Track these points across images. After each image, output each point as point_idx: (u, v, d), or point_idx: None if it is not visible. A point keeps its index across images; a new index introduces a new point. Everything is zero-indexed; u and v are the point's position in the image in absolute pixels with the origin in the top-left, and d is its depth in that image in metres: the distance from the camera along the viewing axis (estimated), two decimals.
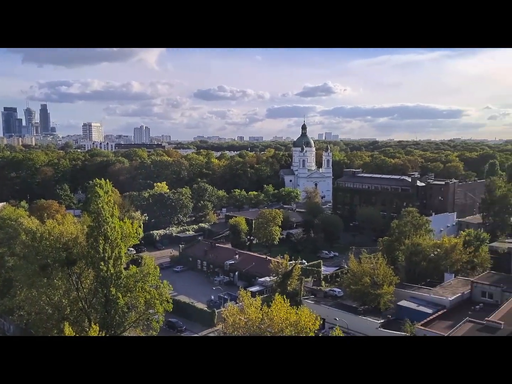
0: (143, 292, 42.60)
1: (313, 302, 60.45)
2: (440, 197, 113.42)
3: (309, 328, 34.69)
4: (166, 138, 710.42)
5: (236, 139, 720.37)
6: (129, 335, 44.14)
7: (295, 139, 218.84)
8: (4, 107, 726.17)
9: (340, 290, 66.32)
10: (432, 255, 66.23)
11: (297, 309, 36.28)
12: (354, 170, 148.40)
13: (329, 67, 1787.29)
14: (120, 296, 40.93)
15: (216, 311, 59.98)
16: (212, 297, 67.52)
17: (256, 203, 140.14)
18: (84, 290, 43.94)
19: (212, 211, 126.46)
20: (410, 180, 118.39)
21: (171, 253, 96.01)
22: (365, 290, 55.61)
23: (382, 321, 52.77)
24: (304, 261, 78.72)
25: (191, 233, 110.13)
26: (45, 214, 77.96)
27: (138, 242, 50.55)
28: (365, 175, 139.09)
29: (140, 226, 46.07)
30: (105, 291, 41.15)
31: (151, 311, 43.88)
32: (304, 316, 35.09)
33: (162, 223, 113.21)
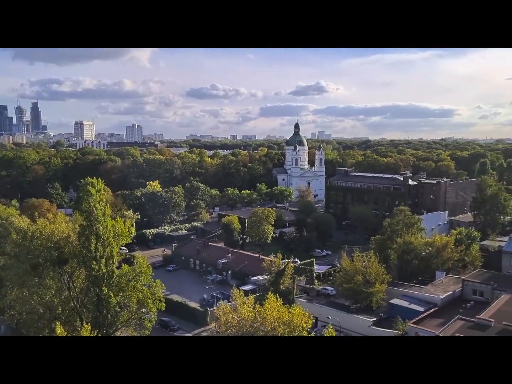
0: (136, 291, 42.42)
1: (305, 300, 60.65)
2: (431, 196, 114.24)
3: (302, 327, 34.79)
4: (159, 137, 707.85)
5: (229, 137, 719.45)
6: (121, 334, 43.97)
7: (288, 138, 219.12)
8: None
9: (332, 288, 66.58)
10: (423, 253, 66.73)
11: (289, 308, 36.37)
12: (346, 169, 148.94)
13: (321, 66, 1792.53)
14: (112, 296, 40.73)
15: (209, 310, 59.94)
16: (205, 296, 67.44)
17: (249, 202, 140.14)
18: (76, 290, 43.67)
19: (205, 210, 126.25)
20: (402, 179, 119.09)
21: (163, 252, 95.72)
22: (357, 288, 55.88)
23: (374, 319, 53.10)
24: (296, 259, 78.89)
25: (184, 232, 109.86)
26: (36, 213, 77.19)
27: (131, 241, 50.35)
28: (358, 174, 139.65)
29: (132, 225, 45.94)
30: (97, 291, 40.92)
31: (143, 310, 43.73)
32: (297, 314, 35.18)
33: (154, 222, 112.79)
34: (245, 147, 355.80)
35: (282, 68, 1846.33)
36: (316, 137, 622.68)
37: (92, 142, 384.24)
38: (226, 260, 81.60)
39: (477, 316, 43.63)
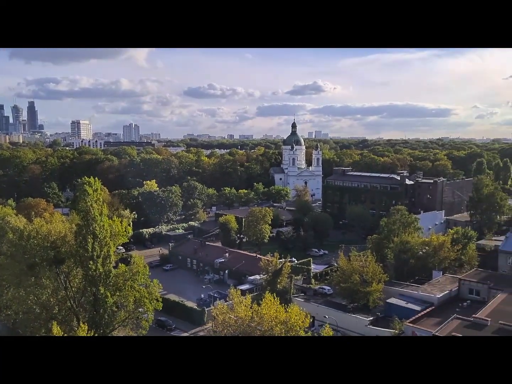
0: (133, 291, 42.35)
1: (303, 300, 60.66)
2: (428, 195, 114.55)
3: (299, 326, 34.80)
4: (156, 136, 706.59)
5: (226, 137, 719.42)
6: (118, 334, 43.90)
7: (285, 137, 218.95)
8: None
9: (329, 288, 66.63)
10: (420, 252, 66.87)
11: (287, 307, 36.37)
12: (343, 168, 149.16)
13: (319, 66, 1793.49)
14: (109, 295, 40.64)
15: (206, 309, 59.87)
16: (202, 295, 67.35)
17: (246, 201, 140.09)
18: (73, 289, 43.55)
19: (202, 209, 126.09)
20: (399, 178, 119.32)
21: (159, 251, 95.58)
22: (354, 287, 55.94)
23: (371, 318, 53.17)
24: (294, 259, 78.93)
25: (181, 231, 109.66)
26: (33, 213, 77.15)
27: (127, 241, 50.20)
28: (355, 173, 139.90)
29: (129, 225, 45.84)
30: (93, 290, 40.82)
31: (140, 310, 43.66)
32: (294, 314, 35.19)
33: (151, 222, 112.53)
34: (242, 147, 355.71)
35: (280, 67, 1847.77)
36: (313, 136, 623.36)
37: (89, 141, 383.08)
38: (223, 260, 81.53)
39: (473, 315, 43.78)
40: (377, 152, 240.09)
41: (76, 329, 35.61)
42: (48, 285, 42.80)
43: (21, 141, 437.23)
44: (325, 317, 51.08)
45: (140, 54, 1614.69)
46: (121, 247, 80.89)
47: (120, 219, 46.04)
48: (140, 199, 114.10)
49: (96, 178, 43.22)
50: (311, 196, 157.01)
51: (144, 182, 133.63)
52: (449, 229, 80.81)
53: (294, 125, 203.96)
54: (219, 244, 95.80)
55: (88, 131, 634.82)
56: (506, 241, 73.66)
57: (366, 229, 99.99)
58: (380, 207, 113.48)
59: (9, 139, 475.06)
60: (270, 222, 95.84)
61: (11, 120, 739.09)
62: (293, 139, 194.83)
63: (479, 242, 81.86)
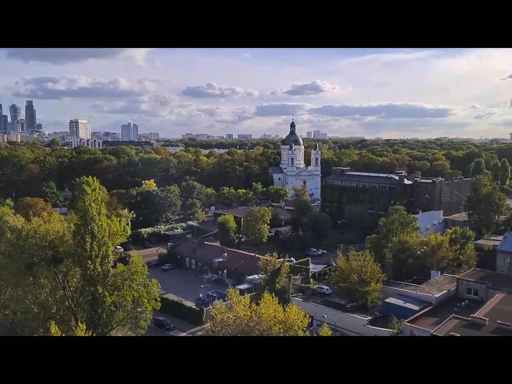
0: (131, 290, 42.30)
1: (301, 299, 60.68)
2: (427, 195, 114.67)
3: (298, 326, 34.81)
4: (154, 136, 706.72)
5: (225, 136, 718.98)
6: (116, 334, 43.86)
7: (284, 137, 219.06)
8: None
9: (328, 287, 66.68)
10: (419, 252, 66.95)
11: (285, 307, 36.38)
12: (342, 168, 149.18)
13: (317, 66, 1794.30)
14: (107, 295, 40.58)
15: (205, 309, 59.84)
16: (201, 295, 67.32)
17: (244, 201, 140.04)
18: (71, 289, 43.47)
19: (201, 209, 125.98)
20: (397, 178, 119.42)
21: (157, 251, 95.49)
22: (352, 287, 55.99)
23: (369, 318, 53.21)
24: (292, 258, 78.91)
25: (180, 231, 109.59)
26: (31, 212, 76.96)
27: (126, 240, 50.15)
28: (353, 173, 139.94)
29: (127, 224, 45.82)
30: (92, 290, 40.76)
31: (139, 309, 43.61)
32: (293, 313, 35.20)
33: (150, 221, 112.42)
34: (241, 146, 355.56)
35: (278, 67, 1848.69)
36: (312, 136, 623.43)
37: (87, 141, 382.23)
38: (221, 259, 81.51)
39: (471, 315, 43.86)
40: (375, 152, 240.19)
41: (74, 328, 35.55)
42: (46, 285, 42.72)
43: (19, 141, 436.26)
44: (323, 316, 51.12)
45: (139, 53, 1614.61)
46: (120, 247, 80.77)
47: (118, 218, 45.97)
48: (138, 198, 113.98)
49: (95, 178, 43.12)
50: (310, 195, 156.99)
51: (143, 182, 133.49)
52: (448, 229, 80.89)
53: (293, 125, 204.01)
54: (217, 243, 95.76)
55: (87, 130, 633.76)
56: (504, 241, 73.79)
57: (364, 228, 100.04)
58: (378, 206, 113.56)
59: (7, 138, 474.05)
60: (268, 221, 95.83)
61: (9, 120, 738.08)
62: (292, 139, 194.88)
63: (477, 242, 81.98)
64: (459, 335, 38.46)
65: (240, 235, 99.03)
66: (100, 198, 43.00)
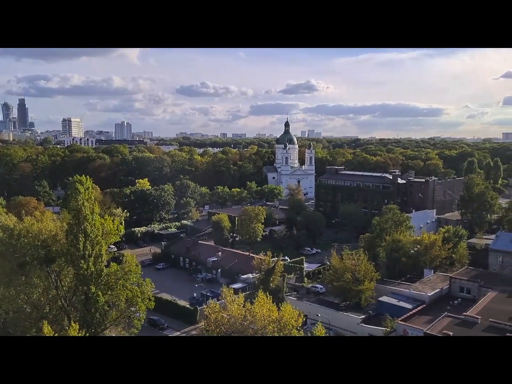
0: (125, 290, 42.12)
1: (295, 298, 60.77)
2: (420, 194, 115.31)
3: (292, 325, 34.85)
4: (148, 134, 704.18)
5: (219, 135, 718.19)
6: (110, 333, 43.68)
7: (278, 136, 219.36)
8: None
9: (322, 286, 66.86)
10: (412, 251, 67.32)
11: (279, 306, 36.40)
12: (336, 167, 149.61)
13: (312, 65, 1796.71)
14: (101, 294, 40.38)
15: (199, 308, 59.77)
16: (195, 294, 67.20)
17: (239, 200, 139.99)
18: (64, 288, 43.20)
19: (195, 208, 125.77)
20: (391, 177, 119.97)
21: (150, 250, 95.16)
22: (346, 286, 56.17)
23: (363, 316, 53.40)
24: (286, 257, 79.02)
25: (173, 230, 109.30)
26: (23, 211, 76.34)
27: (119, 240, 49.93)
28: (347, 172, 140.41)
29: (121, 223, 45.54)
30: (85, 289, 40.54)
31: (132, 309, 43.44)
32: (287, 312, 35.23)
33: (144, 220, 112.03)
34: (235, 145, 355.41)
35: (273, 66, 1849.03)
36: (306, 135, 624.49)
37: (80, 139, 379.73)
38: (216, 259, 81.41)
39: (464, 313, 44.18)
40: (369, 151, 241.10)
41: (67, 328, 35.34)
42: (38, 284, 42.42)
43: (11, 139, 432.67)
44: (317, 315, 51.22)
45: (132, 51, 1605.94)
46: (113, 246, 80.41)
47: (112, 217, 45.75)
48: (132, 197, 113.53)
49: (88, 177, 42.85)
50: (304, 195, 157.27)
51: (136, 181, 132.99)
52: (441, 228, 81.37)
53: (287, 124, 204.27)
54: (211, 243, 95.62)
55: (80, 129, 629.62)
56: (497, 240, 74.42)
57: (358, 228, 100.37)
58: (372, 206, 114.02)
59: None
60: (263, 221, 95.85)
61: (1, 118, 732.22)
62: (286, 138, 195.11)
63: (470, 240, 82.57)
64: (451, 333, 38.74)
65: (234, 234, 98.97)
66: (93, 197, 42.76)
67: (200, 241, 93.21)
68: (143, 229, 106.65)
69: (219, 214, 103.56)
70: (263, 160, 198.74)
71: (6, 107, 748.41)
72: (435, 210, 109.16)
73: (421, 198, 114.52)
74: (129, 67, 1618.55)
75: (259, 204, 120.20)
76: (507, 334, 37.51)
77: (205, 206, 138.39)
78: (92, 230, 40.60)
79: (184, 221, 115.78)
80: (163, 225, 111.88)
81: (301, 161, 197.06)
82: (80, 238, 39.82)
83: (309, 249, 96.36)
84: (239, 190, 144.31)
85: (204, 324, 40.16)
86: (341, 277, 56.87)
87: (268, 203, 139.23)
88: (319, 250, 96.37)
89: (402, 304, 53.50)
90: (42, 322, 33.12)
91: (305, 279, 73.25)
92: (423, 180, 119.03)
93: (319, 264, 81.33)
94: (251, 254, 77.89)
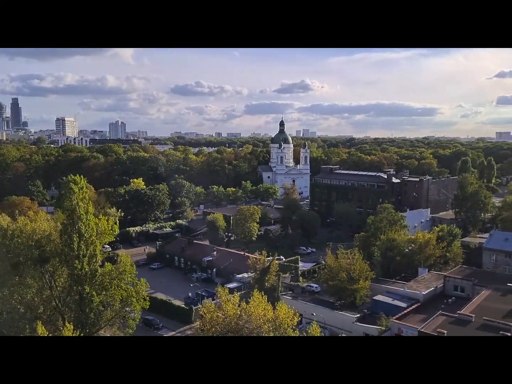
0: (119, 290, 41.97)
1: (290, 297, 60.82)
2: (414, 194, 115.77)
3: (287, 324, 34.86)
4: (143, 134, 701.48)
5: (214, 135, 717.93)
6: (105, 333, 43.52)
7: (273, 136, 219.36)
8: None
9: (317, 285, 66.99)
10: (406, 250, 67.58)
11: (275, 305, 36.41)
12: (331, 166, 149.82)
13: (306, 64, 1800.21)
14: (95, 294, 40.22)
15: (194, 308, 59.68)
16: (190, 294, 67.11)
17: (234, 199, 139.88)
18: (58, 289, 42.96)
19: (190, 208, 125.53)
20: (385, 176, 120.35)
21: (144, 250, 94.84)
22: (341, 285, 56.31)
23: (358, 315, 53.56)
24: (282, 257, 79.11)
25: (168, 229, 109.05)
26: (17, 211, 75.74)
27: (114, 239, 49.67)
28: (342, 171, 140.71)
29: (115, 223, 45.31)
30: (79, 289, 40.35)
31: (127, 309, 43.30)
32: (282, 312, 35.24)
33: (138, 220, 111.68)
34: (230, 145, 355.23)
35: (267, 65, 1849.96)
36: (301, 135, 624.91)
37: (74, 139, 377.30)
38: (211, 258, 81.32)
39: (458, 312, 44.43)
40: (364, 150, 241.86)
41: (61, 328, 35.17)
42: (32, 285, 42.16)
43: (4, 139, 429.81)
44: (312, 314, 51.32)
45: (127, 51, 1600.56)
46: (108, 246, 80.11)
47: (106, 217, 45.54)
48: (126, 197, 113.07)
49: (82, 176, 42.64)
50: (299, 194, 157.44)
51: (131, 180, 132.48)
52: (435, 227, 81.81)
53: (282, 124, 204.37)
54: (207, 242, 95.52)
55: (73, 128, 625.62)
56: (490, 239, 74.92)
57: (353, 227, 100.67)
58: (367, 205, 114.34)
59: None
60: (258, 220, 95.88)
61: None
62: (281, 138, 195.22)
63: (464, 239, 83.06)
64: (446, 331, 38.94)
65: (230, 234, 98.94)
66: (87, 197, 42.54)
67: (195, 241, 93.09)
68: (137, 228, 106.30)
69: (214, 213, 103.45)
70: (258, 159, 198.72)
71: None
72: (429, 209, 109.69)
73: (415, 197, 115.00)
74: (123, 67, 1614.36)
75: (254, 204, 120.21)
76: (501, 333, 37.79)
77: (200, 205, 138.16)
78: (87, 230, 40.41)
79: (179, 221, 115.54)
80: (158, 225, 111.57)
81: (296, 161, 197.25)
82: (74, 238, 39.61)
83: (304, 248, 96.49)
84: (234, 189, 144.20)
85: (199, 324, 40.08)
86: (336, 276, 57.00)
87: (263, 202, 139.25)
88: (314, 250, 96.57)
89: (397, 302, 53.70)
90: (36, 323, 32.92)
91: (300, 278, 73.34)
92: (418, 179, 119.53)
93: (314, 263, 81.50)
94: (246, 254, 77.85)
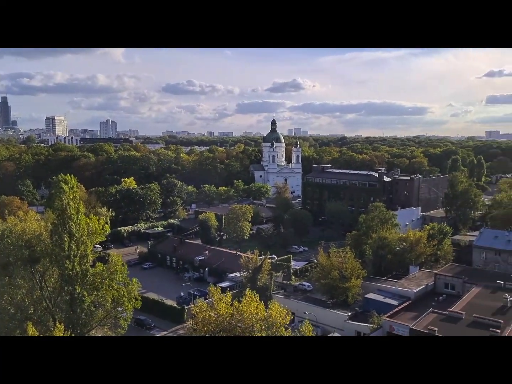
0: (111, 289, 41.73)
1: (283, 296, 60.94)
2: (405, 192, 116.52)
3: (280, 323, 34.91)
4: (134, 133, 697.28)
5: (205, 134, 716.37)
6: (96, 334, 43.24)
7: (265, 135, 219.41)
8: None
9: (309, 284, 67.19)
10: (398, 248, 68.04)
11: (267, 304, 36.45)
12: (323, 165, 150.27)
13: (298, 63, 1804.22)
14: (86, 295, 39.95)
15: (186, 307, 59.53)
16: (182, 293, 66.93)
17: (226, 198, 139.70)
18: (48, 289, 42.59)
19: (182, 207, 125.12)
20: (377, 175, 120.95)
21: (136, 250, 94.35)
22: (333, 283, 56.53)
23: (350, 313, 53.81)
24: (274, 256, 79.18)
25: (160, 229, 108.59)
26: (6, 211, 74.96)
27: (105, 239, 49.39)
28: (334, 170, 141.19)
29: (106, 223, 45.00)
30: (70, 290, 40.04)
31: (119, 309, 43.07)
32: (275, 311, 35.28)
33: (130, 220, 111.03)
34: (222, 144, 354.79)
35: (259, 64, 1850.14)
36: (293, 133, 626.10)
37: (65, 138, 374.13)
38: (203, 257, 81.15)
39: (449, 309, 44.85)
40: (355, 149, 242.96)
41: (52, 329, 34.86)
42: (22, 285, 41.75)
43: None
44: (305, 313, 51.45)
45: (117, 49, 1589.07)
46: (99, 246, 79.58)
47: (97, 217, 45.21)
48: (118, 196, 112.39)
49: (72, 176, 42.28)
50: (291, 193, 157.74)
51: (122, 180, 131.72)
52: (426, 225, 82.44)
53: (273, 122, 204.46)
54: (199, 241, 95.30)
55: (64, 127, 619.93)
56: (480, 237, 75.70)
57: (345, 225, 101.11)
58: (358, 203, 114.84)
59: None
60: (250, 219, 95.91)
61: None
62: (273, 136, 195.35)
63: (454, 237, 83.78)
64: (436, 329, 39.27)
65: (222, 233, 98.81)
66: (78, 197, 42.19)
67: (187, 240, 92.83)
68: (129, 228, 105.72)
69: (206, 212, 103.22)
70: (250, 158, 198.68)
71: None
72: (420, 207, 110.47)
73: (406, 195, 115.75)
74: (114, 65, 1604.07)
75: (246, 203, 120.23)
76: (491, 329, 38.22)
77: (192, 205, 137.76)
78: (77, 229, 40.11)
79: (171, 220, 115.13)
80: (150, 224, 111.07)
81: (288, 160, 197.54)
82: (65, 238, 39.29)
83: (296, 247, 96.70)
84: (226, 188, 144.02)
85: (192, 323, 40.03)
86: (328, 275, 57.20)
87: (255, 201, 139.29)
88: (306, 248, 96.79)
89: (388, 300, 54.05)
90: (27, 323, 32.62)
91: (293, 277, 73.52)
92: (409, 178, 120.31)
93: (306, 262, 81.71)
94: (239, 253, 77.81)
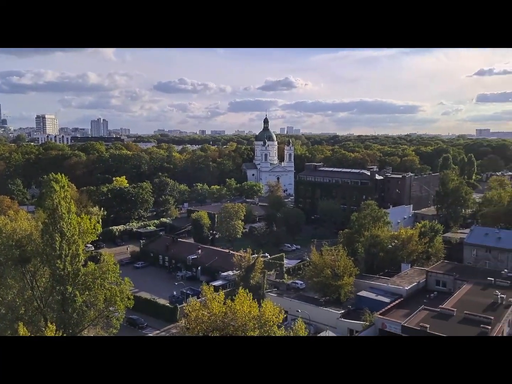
0: (103, 289, 41.54)
1: (276, 295, 61.04)
2: (397, 190, 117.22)
3: (273, 321, 34.99)
4: (125, 132, 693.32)
5: (198, 132, 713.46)
6: (88, 334, 43.02)
7: (257, 133, 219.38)
8: None
9: (302, 282, 67.36)
10: (389, 246, 68.46)
11: (260, 303, 36.50)
12: (315, 164, 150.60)
13: (290, 62, 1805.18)
14: (78, 294, 39.71)
15: (179, 306, 59.41)
16: (174, 292, 66.78)
17: (218, 197, 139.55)
18: (40, 289, 42.29)
19: (174, 206, 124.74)
20: (369, 173, 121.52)
21: (127, 249, 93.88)
22: (326, 281, 56.74)
23: (342, 311, 54.07)
24: (266, 254, 79.28)
25: (152, 228, 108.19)
26: None
27: (97, 238, 49.12)
28: (326, 169, 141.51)
29: (98, 222, 44.85)
30: (61, 289, 39.76)
31: (111, 308, 42.87)
32: (268, 309, 35.35)
33: (121, 219, 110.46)
34: (214, 142, 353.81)
35: (251, 62, 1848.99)
36: (285, 132, 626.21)
37: (55, 136, 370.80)
38: (195, 256, 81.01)
39: (440, 306, 45.24)
40: (347, 147, 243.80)
41: (43, 329, 34.62)
42: (13, 285, 41.43)
43: None
44: (297, 311, 51.60)
45: (108, 48, 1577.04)
46: (90, 245, 79.13)
47: (88, 216, 44.97)
48: (109, 195, 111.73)
49: (63, 175, 42.01)
50: (284, 191, 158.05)
51: (114, 179, 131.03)
52: (417, 223, 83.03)
53: (266, 121, 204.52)
54: (191, 240, 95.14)
55: (54, 126, 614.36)
56: (471, 234, 76.39)
57: (337, 223, 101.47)
58: (351, 202, 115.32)
59: None
60: (243, 218, 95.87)
61: None
62: (265, 135, 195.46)
63: (445, 235, 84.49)
64: (428, 325, 39.61)
65: (214, 232, 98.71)
66: (69, 196, 41.93)
67: (180, 239, 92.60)
68: (121, 227, 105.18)
69: (198, 211, 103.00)
70: (242, 157, 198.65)
71: None
72: (411, 205, 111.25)
73: (398, 193, 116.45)
74: (105, 63, 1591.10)
75: (239, 201, 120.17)
76: (481, 326, 38.64)
77: (184, 203, 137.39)
78: (69, 229, 39.85)
79: (163, 219, 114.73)
80: (142, 223, 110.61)
81: (281, 158, 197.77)
82: (56, 238, 39.02)
83: (289, 245, 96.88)
84: (219, 187, 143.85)
85: (185, 322, 39.92)
86: (320, 273, 57.40)
87: (247, 200, 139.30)
88: (298, 246, 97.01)
89: (381, 298, 54.36)
90: (18, 324, 32.35)
91: (285, 275, 73.67)
92: (400, 176, 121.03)
93: (299, 260, 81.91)
94: (231, 251, 77.82)
